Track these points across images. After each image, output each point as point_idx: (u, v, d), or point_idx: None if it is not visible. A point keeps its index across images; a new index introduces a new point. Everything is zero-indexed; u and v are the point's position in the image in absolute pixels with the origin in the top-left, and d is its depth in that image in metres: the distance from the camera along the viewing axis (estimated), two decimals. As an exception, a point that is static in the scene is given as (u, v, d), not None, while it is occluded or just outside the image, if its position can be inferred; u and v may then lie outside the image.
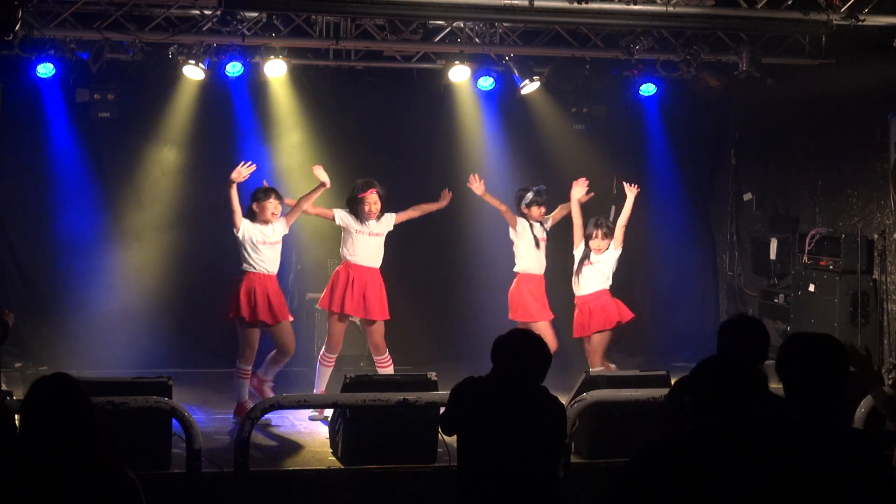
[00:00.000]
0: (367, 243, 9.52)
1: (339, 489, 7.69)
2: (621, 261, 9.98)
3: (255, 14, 10.23)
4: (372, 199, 9.46)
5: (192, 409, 7.70)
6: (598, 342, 9.76)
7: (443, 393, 7.50)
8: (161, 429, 7.59)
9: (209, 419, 9.24)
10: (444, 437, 5.89)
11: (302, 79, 11.63)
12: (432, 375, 8.06)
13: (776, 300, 11.99)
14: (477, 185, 10.00)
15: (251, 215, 9.39)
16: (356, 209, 9.51)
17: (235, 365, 9.40)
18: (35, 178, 11.53)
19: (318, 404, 9.05)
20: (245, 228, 9.30)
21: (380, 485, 7.68)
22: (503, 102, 12.09)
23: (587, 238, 9.81)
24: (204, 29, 10.16)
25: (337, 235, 9.80)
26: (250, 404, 8.68)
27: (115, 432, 4.18)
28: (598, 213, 10.22)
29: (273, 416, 9.01)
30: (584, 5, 9.10)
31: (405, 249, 10.71)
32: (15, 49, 9.74)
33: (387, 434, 7.76)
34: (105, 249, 11.55)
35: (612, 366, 9.80)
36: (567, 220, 10.08)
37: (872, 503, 3.84)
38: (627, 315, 9.83)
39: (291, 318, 9.63)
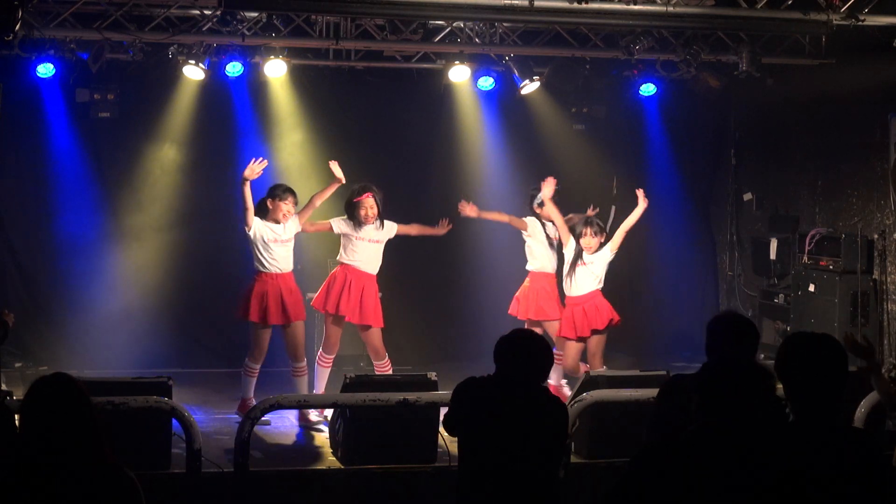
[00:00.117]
0: (366, 249, 9.46)
1: (339, 489, 7.69)
2: (621, 260, 9.96)
3: (255, 14, 10.22)
4: (368, 203, 9.38)
5: (192, 409, 7.71)
6: (595, 344, 9.68)
7: (443, 393, 7.52)
8: (161, 429, 7.58)
9: (209, 419, 9.24)
10: (447, 436, 5.88)
11: (302, 79, 11.62)
12: (432, 375, 8.05)
13: (776, 300, 11.99)
14: (469, 209, 9.97)
15: (262, 211, 9.25)
16: (353, 213, 9.45)
17: (244, 362, 9.37)
18: (35, 178, 11.51)
19: (318, 404, 9.04)
20: (256, 227, 9.16)
21: (380, 485, 7.68)
22: (503, 102, 12.08)
23: (577, 237, 9.71)
24: (204, 29, 10.15)
25: (336, 235, 9.78)
26: (254, 402, 8.66)
27: (115, 432, 4.19)
28: (598, 214, 10.21)
29: (273, 416, 9.01)
30: (584, 5, 9.09)
31: (405, 250, 10.69)
32: (15, 49, 9.73)
33: (387, 434, 7.76)
34: (105, 249, 11.53)
35: (587, 366, 9.62)
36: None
37: (872, 503, 3.85)
38: (616, 317, 9.79)
39: (304, 318, 9.50)
